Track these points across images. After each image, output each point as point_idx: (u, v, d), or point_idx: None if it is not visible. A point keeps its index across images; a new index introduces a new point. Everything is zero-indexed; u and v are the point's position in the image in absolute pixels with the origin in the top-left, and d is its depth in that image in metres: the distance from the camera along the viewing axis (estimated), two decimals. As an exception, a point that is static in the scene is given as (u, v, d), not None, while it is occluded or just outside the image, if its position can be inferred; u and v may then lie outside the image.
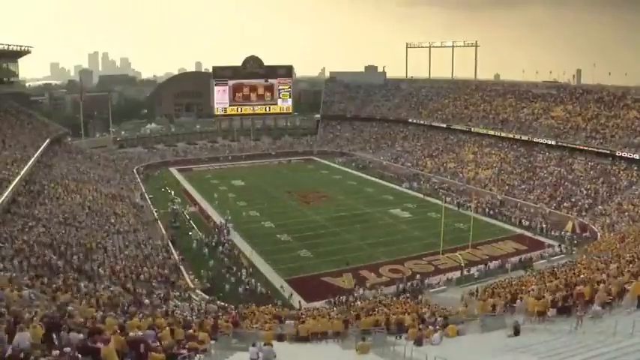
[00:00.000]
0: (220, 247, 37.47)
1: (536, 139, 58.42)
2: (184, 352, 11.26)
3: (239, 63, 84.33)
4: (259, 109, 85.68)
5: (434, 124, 73.99)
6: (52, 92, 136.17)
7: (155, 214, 44.92)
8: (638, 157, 47.75)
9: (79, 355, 8.64)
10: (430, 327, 17.13)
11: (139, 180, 59.44)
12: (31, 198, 36.26)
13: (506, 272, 32.48)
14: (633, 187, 45.59)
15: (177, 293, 26.79)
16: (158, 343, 11.32)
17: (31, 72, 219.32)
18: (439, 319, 18.56)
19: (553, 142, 56.51)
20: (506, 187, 53.04)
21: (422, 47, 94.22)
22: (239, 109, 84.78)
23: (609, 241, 34.10)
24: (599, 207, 44.52)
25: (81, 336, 9.62)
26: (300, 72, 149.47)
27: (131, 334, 10.71)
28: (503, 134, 62.96)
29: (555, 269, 27.76)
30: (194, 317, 20.29)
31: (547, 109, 62.65)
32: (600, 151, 51.56)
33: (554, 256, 35.20)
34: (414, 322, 18.23)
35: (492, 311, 17.87)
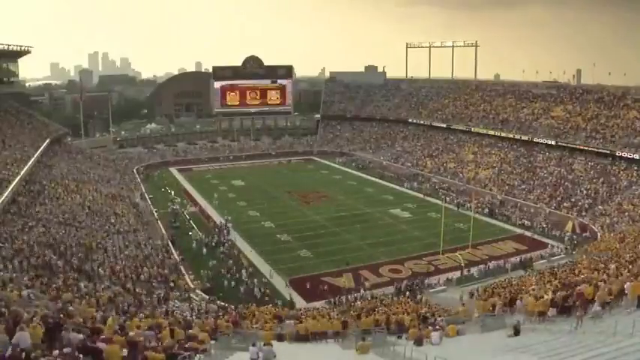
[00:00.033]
0: (220, 247, 37.47)
1: (536, 139, 58.42)
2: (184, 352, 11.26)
3: (239, 63, 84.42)
4: (259, 109, 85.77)
5: (434, 124, 73.98)
6: (52, 92, 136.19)
7: (155, 214, 44.94)
8: (638, 157, 47.76)
9: (79, 355, 8.65)
10: (430, 327, 17.14)
11: (139, 180, 59.46)
12: (31, 198, 36.27)
13: (506, 272, 32.48)
14: (633, 187, 45.58)
15: (177, 293, 26.79)
16: (158, 343, 11.32)
17: (31, 72, 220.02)
18: (439, 319, 18.57)
19: (553, 142, 56.52)
20: (506, 187, 53.05)
21: (422, 47, 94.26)
22: (239, 109, 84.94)
23: (609, 241, 34.08)
24: (599, 207, 44.52)
25: (81, 336, 9.62)
26: (300, 72, 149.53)
27: (131, 333, 10.72)
28: (503, 134, 62.96)
29: (555, 269, 27.78)
30: (194, 317, 20.29)
31: (547, 109, 62.65)
32: (600, 151, 51.56)
33: (554, 256, 35.20)
34: (414, 322, 18.24)
35: (492, 311, 17.87)
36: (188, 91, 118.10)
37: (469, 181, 56.68)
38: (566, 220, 42.70)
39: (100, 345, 9.25)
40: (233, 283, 31.36)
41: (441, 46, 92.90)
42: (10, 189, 32.85)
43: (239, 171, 68.60)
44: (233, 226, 42.02)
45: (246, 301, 27.55)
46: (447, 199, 49.32)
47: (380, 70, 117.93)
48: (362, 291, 29.94)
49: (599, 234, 39.24)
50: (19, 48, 54.59)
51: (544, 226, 42.61)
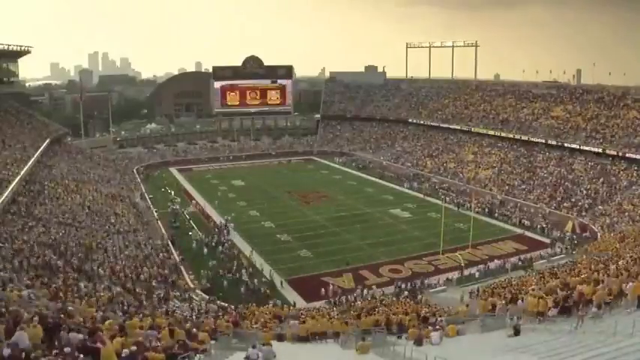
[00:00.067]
0: (220, 247, 37.46)
1: (536, 139, 58.43)
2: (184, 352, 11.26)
3: (239, 63, 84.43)
4: (259, 109, 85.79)
5: (434, 124, 73.99)
6: (52, 92, 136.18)
7: (155, 214, 44.93)
8: (638, 157, 47.76)
9: (79, 355, 8.65)
10: (430, 327, 17.13)
11: (139, 180, 59.48)
12: (31, 198, 36.27)
13: (506, 272, 32.48)
14: (633, 187, 45.58)
15: (178, 293, 26.79)
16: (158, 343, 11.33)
17: (31, 72, 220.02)
18: (439, 319, 18.56)
19: (553, 142, 56.51)
20: (506, 187, 53.04)
21: (422, 47, 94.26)
22: (239, 109, 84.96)
23: (609, 241, 34.09)
24: (599, 207, 44.52)
25: (81, 336, 9.62)
26: (300, 72, 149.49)
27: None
28: (503, 134, 62.97)
29: (555, 269, 27.78)
30: (194, 317, 20.30)
31: (547, 109, 62.65)
32: (600, 151, 51.56)
33: (554, 256, 35.19)
34: (414, 322, 18.23)
35: (492, 311, 17.86)
36: (188, 91, 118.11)
37: (469, 181, 56.67)
38: (566, 220, 42.71)
39: (100, 345, 9.25)
40: (233, 281, 31.36)
41: (441, 46, 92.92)
42: (10, 189, 32.86)
43: (239, 171, 68.60)
44: (233, 226, 42.03)
45: (247, 301, 27.55)
46: (447, 199, 49.34)
47: (380, 70, 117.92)
48: (358, 290, 29.87)
49: (599, 234, 39.24)
50: (19, 48, 54.61)
51: (544, 226, 42.61)
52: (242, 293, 29.78)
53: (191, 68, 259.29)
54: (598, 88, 62.57)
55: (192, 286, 30.01)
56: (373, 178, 63.39)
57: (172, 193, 53.86)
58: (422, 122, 76.20)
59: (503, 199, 50.31)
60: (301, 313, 23.66)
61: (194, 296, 27.95)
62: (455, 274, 32.58)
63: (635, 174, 47.15)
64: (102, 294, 20.14)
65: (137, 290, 24.22)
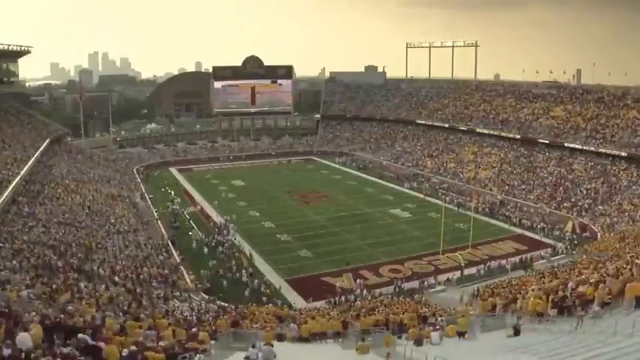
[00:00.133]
0: (220, 247, 37.46)
1: (536, 139, 58.43)
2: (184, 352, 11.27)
3: (239, 63, 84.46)
4: (259, 109, 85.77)
5: (434, 124, 73.99)
6: (52, 92, 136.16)
7: (155, 214, 44.93)
8: (638, 157, 47.76)
9: (79, 355, 8.65)
10: (430, 327, 17.13)
11: (139, 180, 59.47)
12: (31, 198, 36.26)
13: (506, 272, 32.49)
14: (633, 187, 45.58)
15: (178, 293, 26.78)
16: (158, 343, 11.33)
17: (31, 72, 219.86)
18: (439, 319, 18.57)
19: (553, 142, 56.51)
20: (506, 187, 53.05)
21: (422, 47, 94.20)
22: (239, 109, 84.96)
23: (609, 241, 34.10)
24: (599, 207, 44.53)
25: (81, 336, 9.63)
26: (300, 72, 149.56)
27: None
28: (503, 134, 62.97)
29: (555, 269, 27.78)
30: (194, 317, 20.30)
31: (547, 109, 62.64)
32: (600, 151, 51.56)
33: (554, 256, 35.20)
34: (414, 322, 18.23)
35: (492, 311, 17.87)
36: (188, 91, 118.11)
37: (469, 181, 56.68)
38: (566, 220, 42.72)
39: (100, 345, 9.26)
40: (233, 281, 31.33)
41: (441, 46, 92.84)
42: (10, 189, 32.83)
43: (239, 171, 68.61)
44: (234, 226, 41.98)
45: (247, 301, 27.54)
46: (447, 199, 49.32)
47: (380, 70, 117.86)
48: (357, 291, 29.85)
49: (599, 234, 39.25)
50: (19, 48, 54.60)
51: (544, 226, 42.60)
52: (246, 297, 29.51)
53: (191, 68, 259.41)
54: (598, 88, 62.55)
55: (192, 286, 29.97)
56: (373, 178, 63.40)
57: (172, 193, 53.89)
58: (422, 122, 76.18)
59: (503, 199, 50.30)
60: (300, 314, 23.67)
61: (194, 296, 27.93)
62: (455, 274, 32.59)
63: (635, 174, 47.16)
64: (102, 294, 20.14)
65: (137, 290, 24.21)
